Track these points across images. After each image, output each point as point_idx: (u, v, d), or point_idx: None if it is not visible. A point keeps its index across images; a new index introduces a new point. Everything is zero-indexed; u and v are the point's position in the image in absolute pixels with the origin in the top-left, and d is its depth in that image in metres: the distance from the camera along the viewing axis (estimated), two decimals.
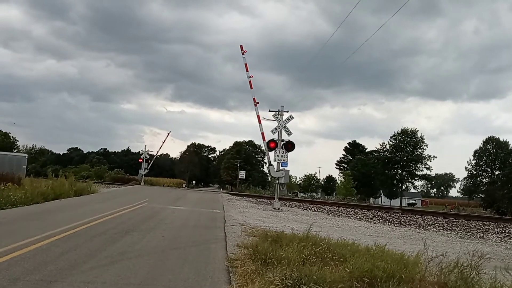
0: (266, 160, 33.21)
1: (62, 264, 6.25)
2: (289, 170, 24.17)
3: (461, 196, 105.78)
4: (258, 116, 24.94)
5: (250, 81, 24.75)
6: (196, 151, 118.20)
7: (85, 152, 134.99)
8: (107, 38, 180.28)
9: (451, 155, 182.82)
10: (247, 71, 24.90)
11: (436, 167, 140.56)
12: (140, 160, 53.59)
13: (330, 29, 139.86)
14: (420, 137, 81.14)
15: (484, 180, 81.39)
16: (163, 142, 67.68)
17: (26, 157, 37.91)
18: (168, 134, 71.41)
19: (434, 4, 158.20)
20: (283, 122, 24.03)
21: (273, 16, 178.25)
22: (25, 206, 14.22)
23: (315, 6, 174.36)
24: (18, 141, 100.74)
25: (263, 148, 28.41)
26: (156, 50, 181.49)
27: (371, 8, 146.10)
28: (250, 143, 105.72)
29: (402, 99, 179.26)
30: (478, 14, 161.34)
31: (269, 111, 25.30)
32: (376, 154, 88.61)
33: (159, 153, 69.39)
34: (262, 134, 25.62)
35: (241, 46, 25.12)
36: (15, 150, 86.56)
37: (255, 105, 24.84)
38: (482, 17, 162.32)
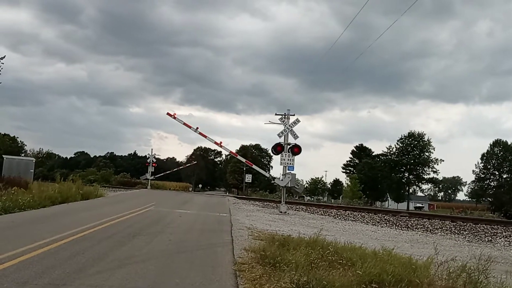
0: (267, 175, 34.73)
1: (70, 268, 6.28)
2: (295, 174, 24.15)
3: (468, 199, 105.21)
4: (232, 151, 28.91)
5: (200, 133, 26.54)
6: (202, 155, 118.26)
7: (92, 156, 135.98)
8: (116, 41, 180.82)
9: (459, 158, 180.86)
10: (190, 127, 26.69)
11: (444, 170, 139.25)
12: (147, 164, 53.76)
13: (342, 31, 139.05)
14: (427, 140, 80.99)
15: (492, 184, 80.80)
16: (191, 162, 70.34)
17: (34, 161, 38.05)
18: (194, 162, 74.83)
19: (447, 6, 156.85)
20: (289, 125, 24.01)
21: (284, 18, 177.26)
22: (33, 210, 14.28)
23: (328, 8, 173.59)
24: (25, 145, 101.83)
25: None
26: (166, 54, 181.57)
27: (384, 10, 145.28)
28: (257, 146, 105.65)
29: (413, 102, 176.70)
30: (492, 15, 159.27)
31: (276, 114, 25.39)
32: (383, 157, 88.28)
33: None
34: (247, 162, 29.95)
35: (168, 113, 27.35)
36: (23, 154, 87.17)
37: (220, 146, 26.84)
38: (495, 19, 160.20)
